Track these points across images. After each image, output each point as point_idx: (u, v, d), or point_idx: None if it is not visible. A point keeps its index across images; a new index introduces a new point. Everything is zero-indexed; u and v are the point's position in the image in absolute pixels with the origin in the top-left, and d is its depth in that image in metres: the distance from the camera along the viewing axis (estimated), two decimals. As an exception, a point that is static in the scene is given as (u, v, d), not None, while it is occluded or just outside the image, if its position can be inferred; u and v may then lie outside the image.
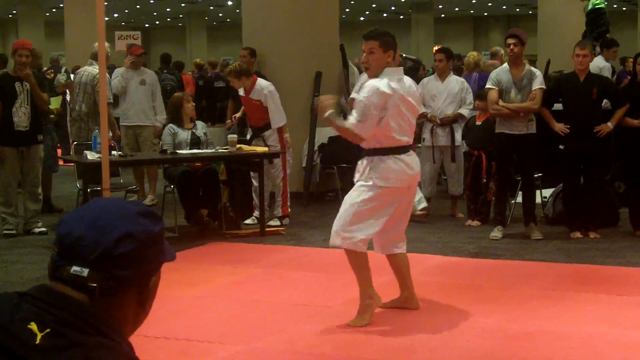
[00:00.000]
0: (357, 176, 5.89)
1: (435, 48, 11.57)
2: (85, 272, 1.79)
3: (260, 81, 9.68)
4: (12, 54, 9.54)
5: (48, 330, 1.71)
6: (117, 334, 1.79)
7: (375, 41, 5.81)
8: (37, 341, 1.69)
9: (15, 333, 1.70)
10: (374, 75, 5.83)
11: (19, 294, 1.81)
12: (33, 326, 1.71)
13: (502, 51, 14.77)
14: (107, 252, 1.80)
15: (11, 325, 1.72)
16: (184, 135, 9.52)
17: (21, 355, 1.68)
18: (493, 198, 9.52)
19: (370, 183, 5.74)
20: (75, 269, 1.79)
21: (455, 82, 10.33)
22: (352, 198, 5.80)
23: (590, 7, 12.76)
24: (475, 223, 9.76)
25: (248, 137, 10.07)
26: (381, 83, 5.69)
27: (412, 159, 5.90)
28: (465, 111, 10.12)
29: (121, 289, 1.83)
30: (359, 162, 5.93)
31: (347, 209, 5.78)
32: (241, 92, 9.84)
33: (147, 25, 50.52)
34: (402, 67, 6.12)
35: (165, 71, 15.72)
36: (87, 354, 1.69)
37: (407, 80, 5.94)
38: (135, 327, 1.93)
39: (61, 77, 14.78)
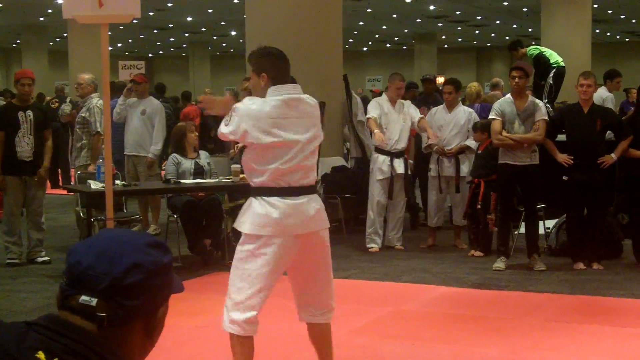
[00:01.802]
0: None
1: (443, 80, 11.74)
2: (94, 301, 1.80)
3: None
4: (15, 83, 9.59)
5: (55, 359, 1.71)
6: None
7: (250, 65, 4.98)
8: None
9: None
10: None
11: (27, 323, 1.82)
12: (41, 355, 1.72)
13: (502, 82, 14.81)
14: (116, 282, 1.81)
15: (19, 354, 1.72)
16: (188, 164, 9.53)
17: None
18: (495, 229, 9.53)
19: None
20: (84, 298, 1.81)
21: (462, 112, 10.38)
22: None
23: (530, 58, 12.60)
24: (478, 253, 9.76)
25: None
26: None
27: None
28: (472, 143, 10.15)
29: (129, 318, 1.84)
30: None
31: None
32: None
33: (150, 55, 50.74)
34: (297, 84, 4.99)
35: (160, 100, 15.76)
36: None
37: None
38: (142, 357, 1.94)
39: (66, 108, 14.86)
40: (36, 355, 1.72)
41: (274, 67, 4.83)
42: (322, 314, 5.00)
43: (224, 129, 4.71)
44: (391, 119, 10.01)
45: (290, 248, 4.66)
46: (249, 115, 4.59)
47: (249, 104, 4.66)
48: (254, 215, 4.62)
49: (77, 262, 1.84)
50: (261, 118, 4.59)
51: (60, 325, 1.79)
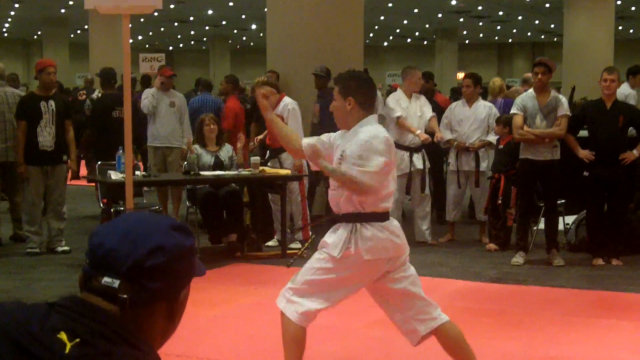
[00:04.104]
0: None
1: (462, 75, 11.63)
2: (117, 283, 1.80)
3: (287, 98, 9.75)
4: (38, 73, 9.54)
5: (77, 340, 1.72)
6: (146, 346, 1.80)
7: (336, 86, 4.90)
8: (67, 351, 1.70)
9: (44, 342, 1.71)
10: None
11: (49, 304, 1.83)
12: (62, 336, 1.72)
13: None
14: (139, 264, 1.81)
15: (41, 335, 1.73)
16: (207, 158, 9.54)
17: None
18: (514, 223, 9.50)
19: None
20: (106, 280, 1.81)
21: (482, 107, 10.34)
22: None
23: None
24: (492, 247, 9.75)
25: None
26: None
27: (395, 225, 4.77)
28: (493, 138, 10.12)
29: (151, 301, 1.84)
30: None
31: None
32: None
33: (171, 48, 50.85)
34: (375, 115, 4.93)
35: (199, 94, 15.84)
36: None
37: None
38: (164, 340, 1.94)
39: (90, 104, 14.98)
40: (58, 336, 1.72)
41: (362, 93, 4.80)
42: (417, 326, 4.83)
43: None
44: (409, 114, 9.99)
45: None
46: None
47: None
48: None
49: (100, 243, 1.85)
50: None
51: (83, 307, 1.80)
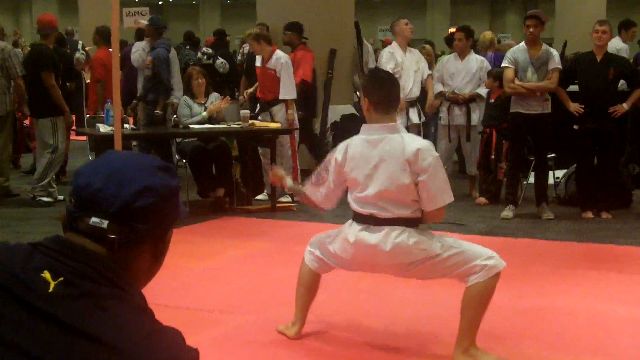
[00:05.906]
0: None
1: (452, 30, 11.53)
2: (105, 223, 1.79)
3: (279, 51, 9.72)
4: (54, 28, 9.82)
5: (61, 279, 1.72)
6: (130, 286, 1.80)
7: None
8: (50, 289, 1.70)
9: (28, 281, 1.71)
10: None
11: (32, 244, 1.82)
12: (46, 275, 1.72)
13: None
14: (127, 205, 1.80)
15: (24, 274, 1.72)
16: (197, 109, 9.52)
17: (34, 303, 1.69)
18: (504, 178, 9.51)
19: None
20: (94, 220, 1.80)
21: (474, 61, 10.29)
22: None
23: None
24: (482, 201, 9.75)
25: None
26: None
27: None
28: (483, 91, 10.09)
29: (139, 241, 1.84)
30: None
31: None
32: (258, 62, 9.86)
33: (160, 2, 50.41)
34: None
35: (188, 47, 15.75)
36: (99, 303, 1.70)
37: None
38: (148, 278, 1.94)
39: (80, 56, 14.88)
40: (41, 275, 1.72)
41: (373, 93, 4.60)
42: None
43: None
44: (404, 67, 9.96)
45: None
46: None
47: None
48: None
49: (86, 184, 1.82)
50: None
51: (67, 247, 1.79)
